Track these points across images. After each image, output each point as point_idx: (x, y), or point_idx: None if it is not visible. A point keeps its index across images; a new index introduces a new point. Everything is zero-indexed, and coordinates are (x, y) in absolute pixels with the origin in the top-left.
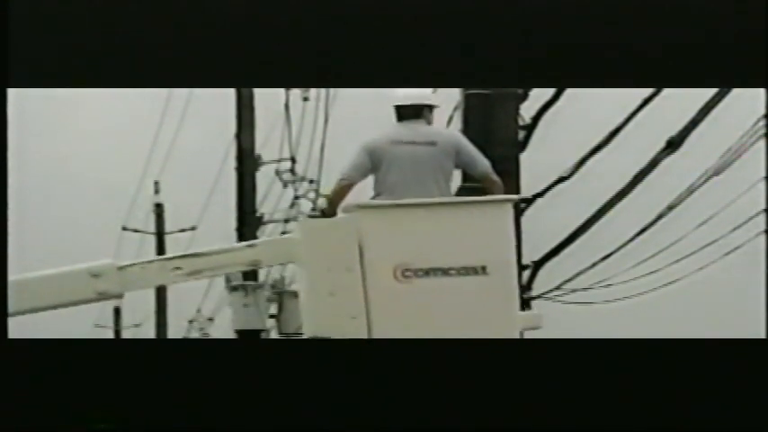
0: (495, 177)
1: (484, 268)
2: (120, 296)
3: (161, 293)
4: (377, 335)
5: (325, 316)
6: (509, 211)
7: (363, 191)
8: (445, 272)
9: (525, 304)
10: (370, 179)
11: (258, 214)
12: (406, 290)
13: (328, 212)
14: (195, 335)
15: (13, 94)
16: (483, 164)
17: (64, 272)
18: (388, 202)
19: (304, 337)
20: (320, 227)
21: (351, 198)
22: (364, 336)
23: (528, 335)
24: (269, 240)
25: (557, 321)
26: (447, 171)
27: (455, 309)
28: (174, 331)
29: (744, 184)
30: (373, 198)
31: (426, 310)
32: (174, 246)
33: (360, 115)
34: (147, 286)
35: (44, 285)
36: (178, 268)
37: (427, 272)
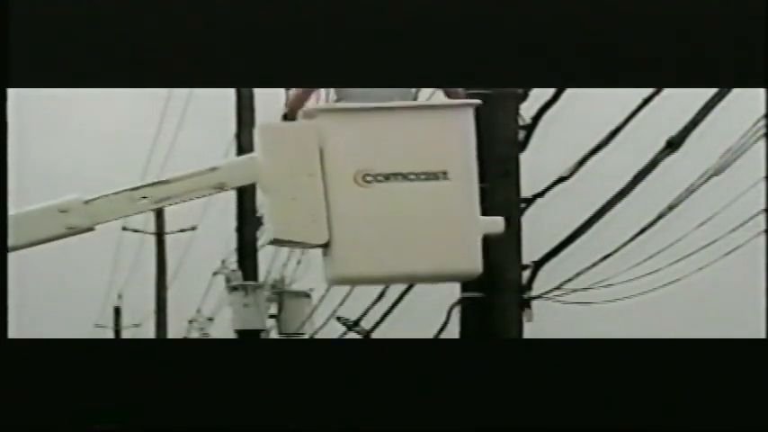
0: None
1: (445, 173)
2: (90, 229)
3: (161, 293)
4: (338, 238)
5: (286, 219)
6: (470, 116)
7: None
8: (405, 176)
9: (525, 304)
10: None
11: (258, 214)
12: (367, 194)
13: (290, 117)
14: (195, 335)
15: (13, 94)
16: None
17: (34, 210)
18: (349, 106)
19: (266, 239)
20: (281, 131)
21: (312, 103)
22: (325, 238)
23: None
24: (232, 161)
25: (557, 321)
26: None
27: (416, 213)
28: (174, 331)
29: (744, 184)
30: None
31: (387, 214)
32: (174, 246)
33: None
34: (115, 217)
35: (16, 224)
36: (144, 197)
37: (388, 177)
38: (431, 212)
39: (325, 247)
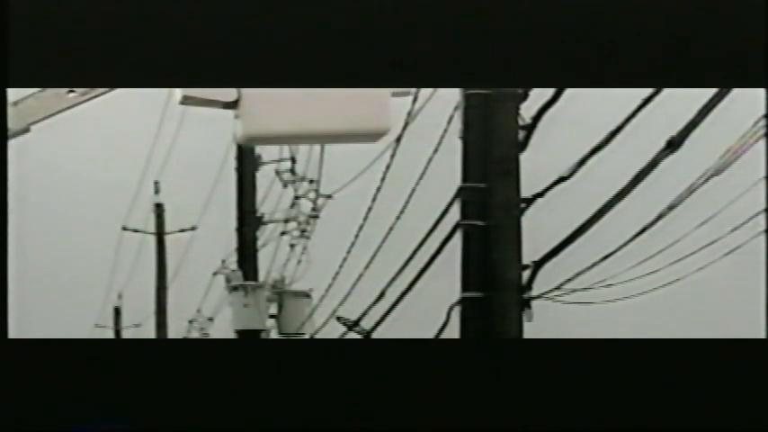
0: None
1: None
2: (25, 130)
3: (161, 293)
4: (246, 96)
5: None
6: None
7: None
8: None
9: (525, 304)
10: None
11: (258, 214)
12: None
13: None
14: (195, 335)
15: (13, 94)
16: None
17: None
18: None
19: (175, 99)
20: None
21: None
22: (234, 95)
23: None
24: None
25: (557, 321)
26: None
27: None
28: (174, 331)
29: (744, 184)
30: None
31: None
32: (174, 246)
33: None
34: (47, 114)
35: None
36: (72, 91)
37: None
38: None
39: (235, 106)
